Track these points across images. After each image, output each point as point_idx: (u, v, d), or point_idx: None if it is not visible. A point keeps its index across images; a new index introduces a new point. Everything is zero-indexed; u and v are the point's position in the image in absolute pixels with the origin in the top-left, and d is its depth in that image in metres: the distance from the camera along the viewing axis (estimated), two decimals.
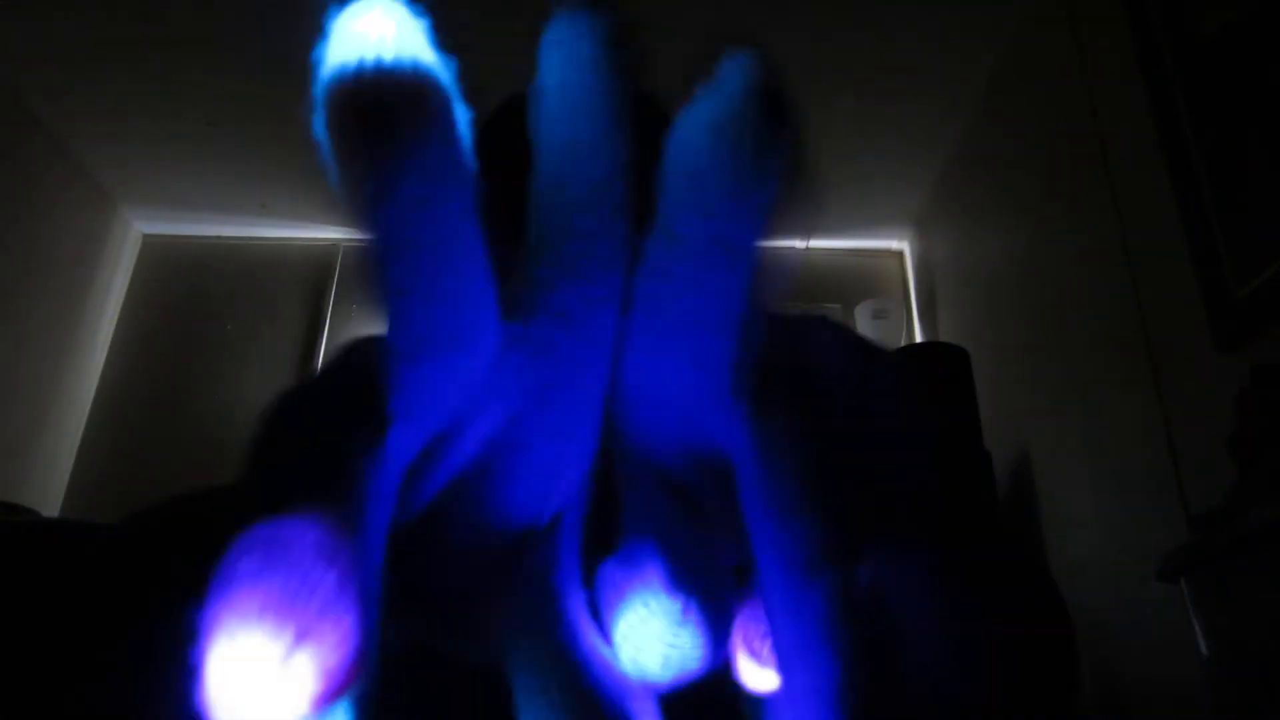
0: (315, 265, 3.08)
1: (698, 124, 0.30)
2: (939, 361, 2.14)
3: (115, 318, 2.97)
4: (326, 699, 0.23)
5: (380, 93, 0.26)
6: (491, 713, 0.33)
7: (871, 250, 3.13)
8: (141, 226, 3.11)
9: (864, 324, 2.81)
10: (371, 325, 0.44)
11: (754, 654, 0.33)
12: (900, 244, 3.12)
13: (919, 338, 2.89)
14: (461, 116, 0.29)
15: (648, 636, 0.32)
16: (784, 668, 0.30)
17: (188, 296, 3.03)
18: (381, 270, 0.29)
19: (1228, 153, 1.34)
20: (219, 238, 3.12)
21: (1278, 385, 1.08)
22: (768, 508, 0.31)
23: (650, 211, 0.33)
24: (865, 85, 2.35)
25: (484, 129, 0.43)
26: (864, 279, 3.04)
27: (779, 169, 0.29)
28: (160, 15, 2.15)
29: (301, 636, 0.22)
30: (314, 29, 0.26)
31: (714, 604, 0.32)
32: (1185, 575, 1.12)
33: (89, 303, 2.84)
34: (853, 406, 0.37)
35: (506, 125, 0.52)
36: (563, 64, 0.33)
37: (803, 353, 0.37)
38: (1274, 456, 1.05)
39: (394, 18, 0.27)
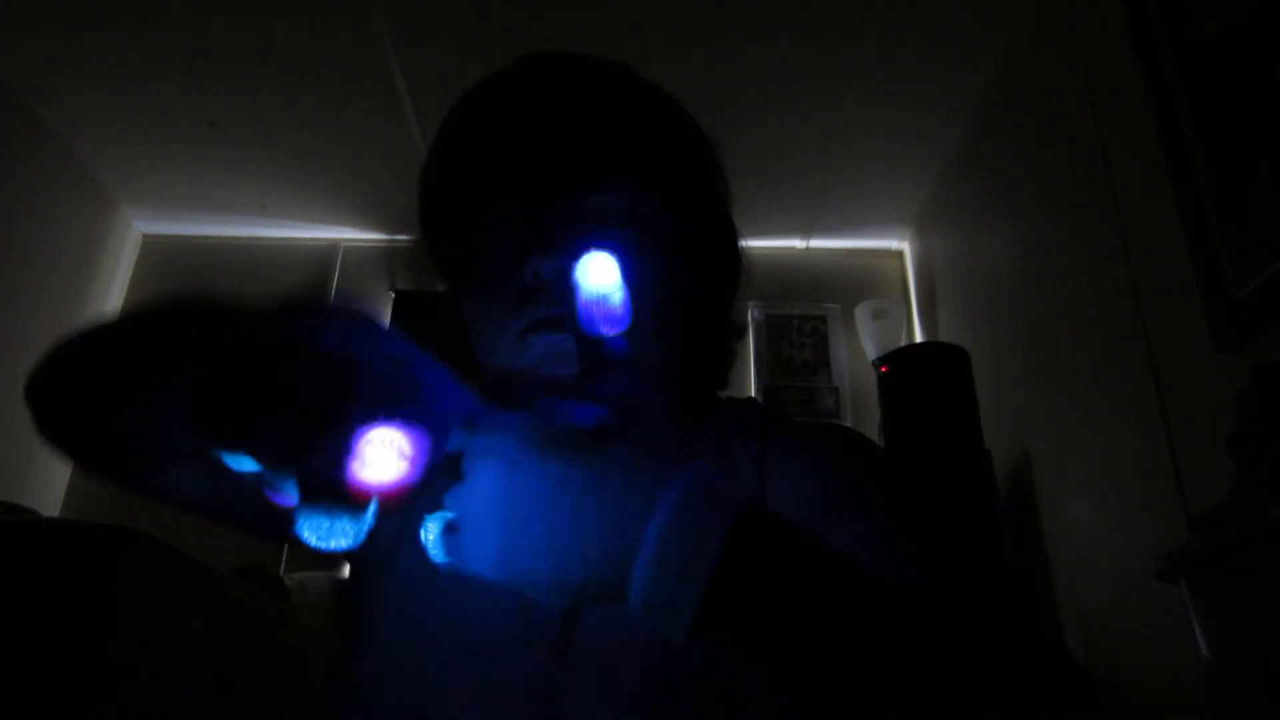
0: (315, 265, 3.08)
1: None
2: (939, 361, 2.14)
3: None
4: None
5: None
6: None
7: (871, 250, 3.13)
8: (141, 226, 3.10)
9: (864, 324, 2.81)
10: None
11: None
12: (900, 244, 3.12)
13: (919, 338, 2.89)
14: None
15: None
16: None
17: None
18: None
19: (1228, 153, 1.34)
20: (219, 238, 3.12)
21: (1278, 385, 1.08)
22: None
23: None
24: (866, 86, 2.35)
25: None
26: (864, 279, 3.04)
27: None
28: (160, 17, 2.15)
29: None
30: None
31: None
32: (1185, 575, 1.12)
33: (89, 303, 2.83)
34: None
35: None
36: None
37: None
38: (1274, 456, 1.05)
39: None
